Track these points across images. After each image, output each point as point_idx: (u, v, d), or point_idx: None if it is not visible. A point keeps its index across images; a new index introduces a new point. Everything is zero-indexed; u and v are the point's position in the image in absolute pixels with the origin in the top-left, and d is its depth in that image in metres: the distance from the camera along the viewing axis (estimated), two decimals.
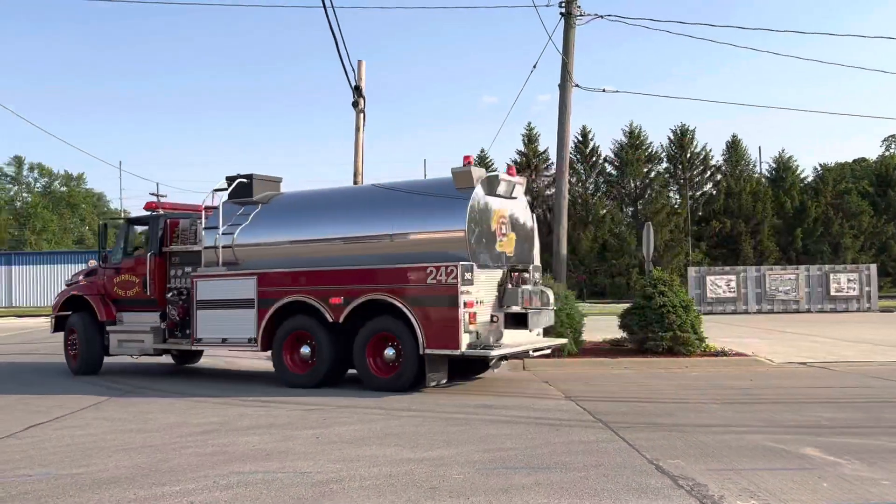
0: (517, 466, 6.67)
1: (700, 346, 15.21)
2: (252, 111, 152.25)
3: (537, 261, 13.13)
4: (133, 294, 14.17)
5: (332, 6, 19.22)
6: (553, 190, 58.22)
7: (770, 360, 15.01)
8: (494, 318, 11.14)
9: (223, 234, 12.95)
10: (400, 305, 10.99)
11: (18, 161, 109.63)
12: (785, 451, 7.19)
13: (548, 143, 66.17)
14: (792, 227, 58.92)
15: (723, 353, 15.23)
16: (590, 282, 55.60)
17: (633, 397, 10.72)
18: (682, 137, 61.98)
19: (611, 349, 16.24)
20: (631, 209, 60.69)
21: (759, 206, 58.09)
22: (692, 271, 34.12)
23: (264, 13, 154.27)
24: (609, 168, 61.41)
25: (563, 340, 13.85)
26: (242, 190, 13.32)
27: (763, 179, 62.68)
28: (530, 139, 61.68)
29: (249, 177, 13.36)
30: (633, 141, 60.58)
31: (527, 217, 12.91)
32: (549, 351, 12.78)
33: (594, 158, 60.87)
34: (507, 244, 12.16)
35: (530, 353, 12.21)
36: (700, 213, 60.28)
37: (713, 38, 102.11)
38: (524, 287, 11.60)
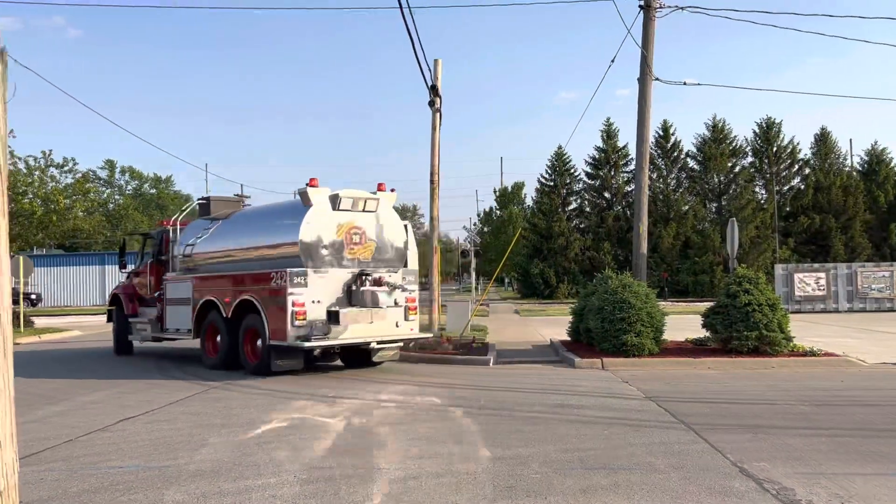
0: (595, 467, 6.56)
1: (787, 346, 14.68)
2: (337, 112, 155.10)
3: (413, 265, 14.82)
4: (145, 293, 17.46)
5: (409, 6, 19.17)
6: (632, 186, 57.34)
7: (862, 360, 14.38)
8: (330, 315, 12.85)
9: (186, 245, 15.82)
10: (258, 305, 13.19)
11: (111, 165, 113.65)
12: (878, 455, 6.89)
13: (627, 138, 65.17)
14: (885, 223, 56.44)
15: (812, 353, 14.66)
16: (672, 279, 54.48)
17: (716, 398, 10.44)
18: (767, 131, 60.06)
19: (693, 349, 15.84)
20: (714, 205, 59.13)
21: (851, 201, 55.85)
22: (779, 269, 33.03)
23: (345, 16, 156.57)
24: (691, 163, 59.98)
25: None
26: (203, 209, 16.41)
27: (854, 173, 60.25)
28: (609, 135, 60.82)
29: (207, 198, 16.34)
30: (717, 135, 58.98)
31: (392, 226, 14.28)
32: (401, 343, 14.58)
33: (675, 153, 59.57)
34: (360, 251, 13.83)
35: (373, 345, 13.52)
36: (787, 209, 58.32)
37: (799, 27, 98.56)
38: (364, 288, 13.13)
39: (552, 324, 26.14)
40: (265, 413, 9.74)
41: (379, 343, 13.67)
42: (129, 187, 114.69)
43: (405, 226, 14.78)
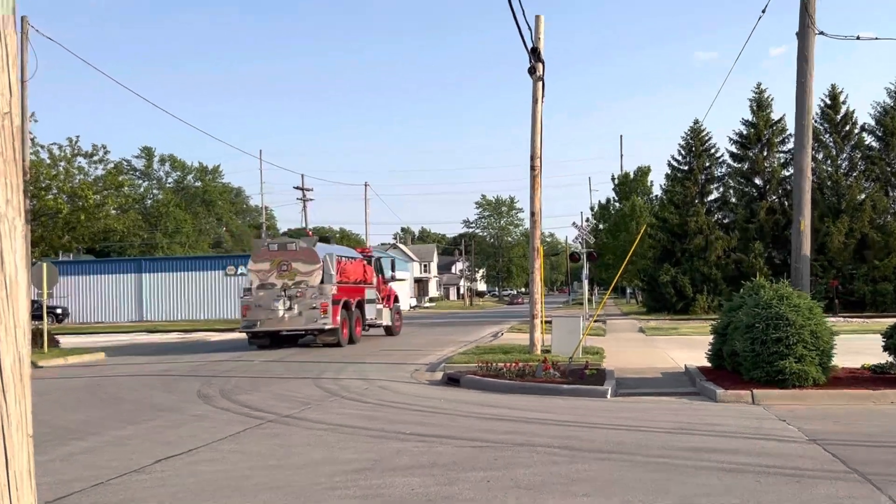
0: None
1: None
2: (407, 95, 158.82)
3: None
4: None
5: None
6: (791, 170, 55.76)
7: None
8: None
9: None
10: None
11: (148, 153, 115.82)
12: None
13: (783, 109, 63.26)
14: None
15: None
16: (843, 289, 52.65)
17: None
18: None
19: (872, 378, 15.28)
20: None
21: None
22: None
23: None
24: (869, 139, 57.77)
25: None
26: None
27: None
28: (760, 105, 59.29)
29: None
30: None
31: None
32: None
33: (847, 128, 57.50)
34: None
35: None
36: None
37: None
38: None
39: (687, 345, 25.82)
40: (332, 451, 9.84)
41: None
42: (170, 179, 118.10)
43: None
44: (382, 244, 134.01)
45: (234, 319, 53.07)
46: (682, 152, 62.09)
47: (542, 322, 21.12)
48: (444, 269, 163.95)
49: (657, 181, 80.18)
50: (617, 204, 78.26)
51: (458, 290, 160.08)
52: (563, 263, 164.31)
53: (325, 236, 38.57)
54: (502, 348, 23.13)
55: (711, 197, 61.55)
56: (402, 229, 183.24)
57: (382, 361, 22.42)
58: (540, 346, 20.26)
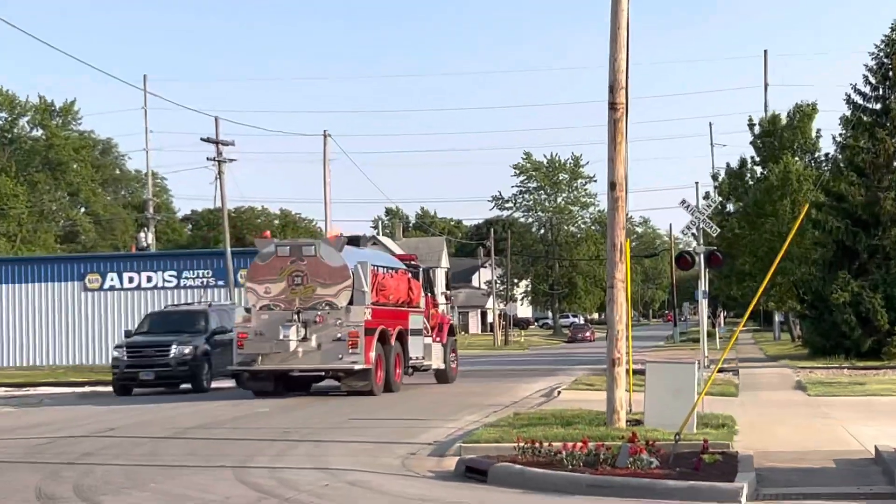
0: None
1: None
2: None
3: None
4: None
5: None
6: None
7: None
8: None
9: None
10: None
11: None
12: None
13: None
14: None
15: None
16: None
17: None
18: None
19: None
20: None
21: None
22: None
23: None
24: None
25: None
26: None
27: None
28: None
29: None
30: None
31: None
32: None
33: None
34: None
35: None
36: None
37: None
38: None
39: (880, 413, 21.33)
40: None
41: None
42: None
43: None
44: (353, 237, 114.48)
45: (102, 366, 42.13)
46: (873, 79, 44.98)
47: (628, 372, 18.35)
48: (459, 278, 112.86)
49: (827, 129, 55.76)
50: (758, 169, 56.36)
51: (484, 315, 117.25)
52: (665, 270, 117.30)
53: (354, 237, 30.97)
54: (560, 416, 19.54)
55: None
56: (388, 212, 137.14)
57: (355, 439, 18.24)
58: (625, 412, 17.39)
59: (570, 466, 13.73)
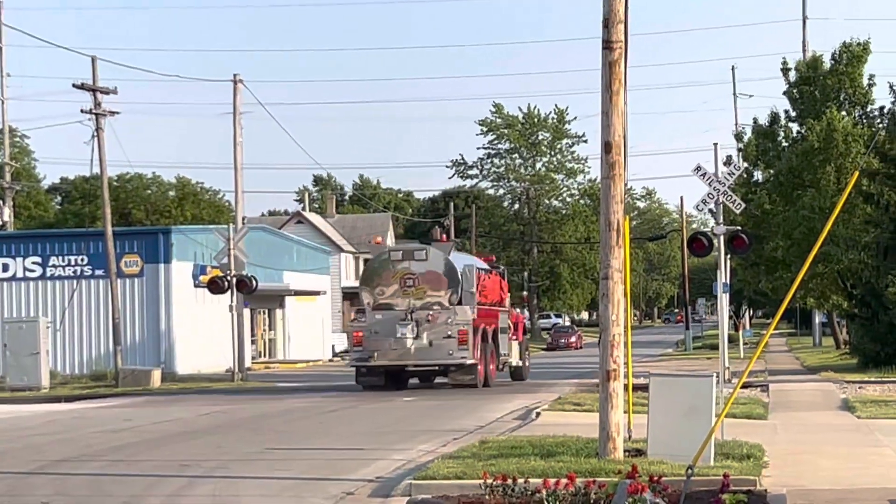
0: None
1: None
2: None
3: None
4: None
5: None
6: None
7: None
8: None
9: None
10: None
11: None
12: None
13: None
14: None
15: None
16: None
17: None
18: None
19: None
20: None
21: None
22: None
23: None
24: None
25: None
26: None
27: None
28: None
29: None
30: None
31: None
32: None
33: None
34: None
35: None
36: None
37: None
38: None
39: None
40: None
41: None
42: None
43: None
44: (269, 214, 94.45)
45: None
46: None
47: (627, 388, 16.97)
48: None
49: (883, 75, 53.24)
50: (793, 126, 47.82)
51: None
52: (675, 257, 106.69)
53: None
54: (539, 444, 18.09)
55: None
56: (317, 181, 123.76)
57: (275, 475, 15.74)
58: (622, 440, 15.91)
59: None
